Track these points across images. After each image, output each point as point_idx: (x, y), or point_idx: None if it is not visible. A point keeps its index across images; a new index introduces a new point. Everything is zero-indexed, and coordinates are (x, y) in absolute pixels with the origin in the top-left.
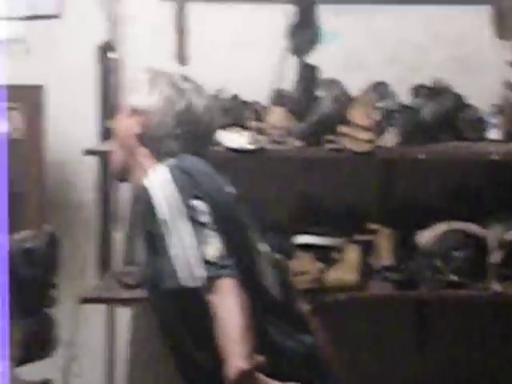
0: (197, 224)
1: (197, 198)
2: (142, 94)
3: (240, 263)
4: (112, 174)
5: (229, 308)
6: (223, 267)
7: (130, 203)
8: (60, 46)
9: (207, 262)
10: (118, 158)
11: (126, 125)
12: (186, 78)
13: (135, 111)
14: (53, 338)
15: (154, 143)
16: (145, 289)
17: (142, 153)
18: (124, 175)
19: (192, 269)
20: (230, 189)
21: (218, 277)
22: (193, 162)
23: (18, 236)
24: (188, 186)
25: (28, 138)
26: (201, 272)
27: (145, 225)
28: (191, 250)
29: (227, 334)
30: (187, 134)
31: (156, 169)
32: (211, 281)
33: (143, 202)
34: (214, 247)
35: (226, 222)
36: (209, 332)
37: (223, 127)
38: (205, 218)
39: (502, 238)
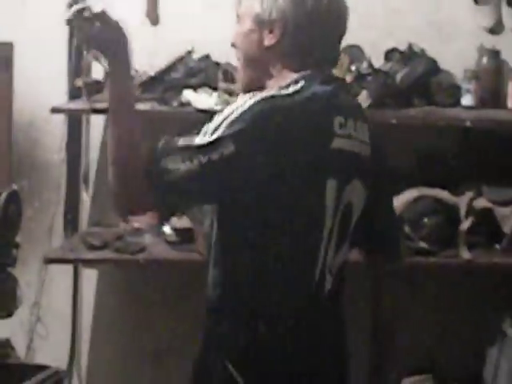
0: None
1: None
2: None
3: None
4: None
5: None
6: None
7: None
8: (29, 2)
9: None
10: (247, 78)
11: (252, 39)
12: None
13: (262, 22)
14: (16, 297)
15: (297, 54)
16: None
17: (282, 68)
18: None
19: None
20: None
21: None
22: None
23: None
24: (246, 129)
25: None
26: None
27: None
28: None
29: None
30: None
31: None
32: None
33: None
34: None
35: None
36: None
37: (193, 88)
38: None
39: (472, 205)
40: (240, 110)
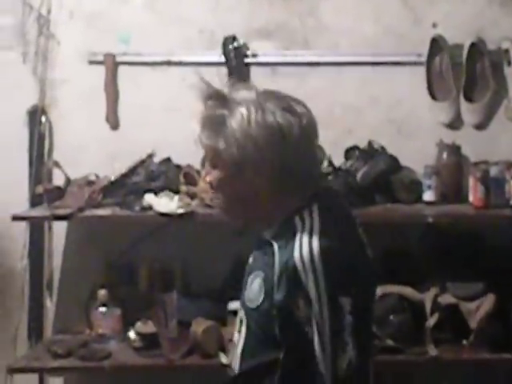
0: (336, 328)
1: (347, 293)
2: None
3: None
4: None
5: None
6: None
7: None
8: None
9: (335, 378)
10: (237, 216)
11: (236, 184)
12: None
13: (241, 166)
14: None
15: (290, 181)
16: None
17: (278, 198)
18: (248, 228)
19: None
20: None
21: None
22: (341, 217)
23: None
24: (341, 276)
25: None
26: None
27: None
28: (322, 361)
29: None
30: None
31: (304, 233)
32: None
33: (286, 272)
34: (346, 359)
35: (366, 314)
36: None
37: (154, 191)
38: (346, 321)
39: (437, 301)
40: (317, 264)
